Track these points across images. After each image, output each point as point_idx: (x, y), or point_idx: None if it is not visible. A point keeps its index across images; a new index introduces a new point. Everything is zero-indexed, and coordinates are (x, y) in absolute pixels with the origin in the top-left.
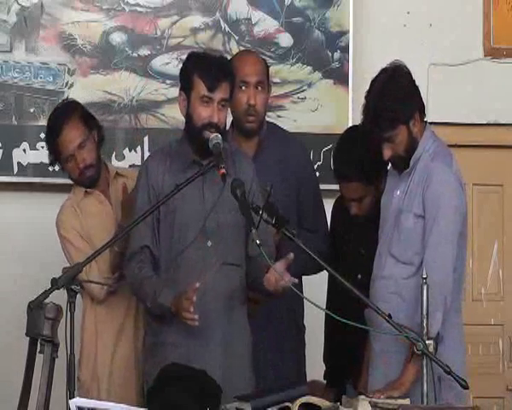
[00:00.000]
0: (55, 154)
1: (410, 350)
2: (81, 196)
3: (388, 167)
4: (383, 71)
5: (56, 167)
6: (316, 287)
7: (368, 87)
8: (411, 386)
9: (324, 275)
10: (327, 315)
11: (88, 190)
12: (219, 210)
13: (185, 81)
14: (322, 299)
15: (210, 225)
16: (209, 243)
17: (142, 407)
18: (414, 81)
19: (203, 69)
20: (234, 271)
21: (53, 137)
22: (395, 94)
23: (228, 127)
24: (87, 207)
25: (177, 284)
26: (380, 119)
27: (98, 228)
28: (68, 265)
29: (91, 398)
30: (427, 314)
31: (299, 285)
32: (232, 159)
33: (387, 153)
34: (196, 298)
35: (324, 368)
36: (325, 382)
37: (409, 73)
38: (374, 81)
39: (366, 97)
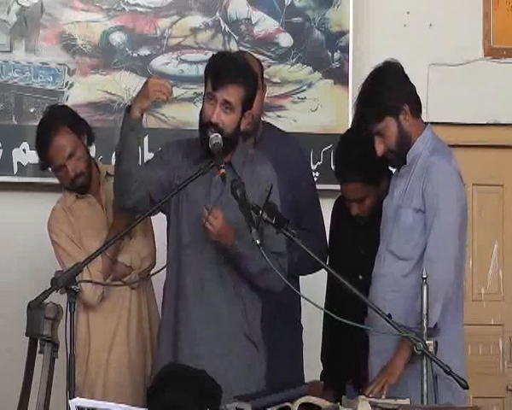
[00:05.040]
0: (46, 163)
1: (401, 343)
2: (72, 199)
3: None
4: (374, 68)
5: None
6: (315, 286)
7: None
8: (404, 369)
9: (323, 274)
10: (325, 314)
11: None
12: (224, 209)
13: (204, 79)
14: (321, 298)
15: None
16: None
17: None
18: (405, 77)
19: (212, 67)
20: (229, 268)
21: (42, 149)
22: (381, 86)
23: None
24: (78, 210)
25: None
26: (366, 110)
27: (89, 231)
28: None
29: None
30: (427, 314)
31: (297, 284)
32: (250, 162)
33: (380, 148)
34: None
35: (322, 368)
36: (323, 382)
37: (399, 69)
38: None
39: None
